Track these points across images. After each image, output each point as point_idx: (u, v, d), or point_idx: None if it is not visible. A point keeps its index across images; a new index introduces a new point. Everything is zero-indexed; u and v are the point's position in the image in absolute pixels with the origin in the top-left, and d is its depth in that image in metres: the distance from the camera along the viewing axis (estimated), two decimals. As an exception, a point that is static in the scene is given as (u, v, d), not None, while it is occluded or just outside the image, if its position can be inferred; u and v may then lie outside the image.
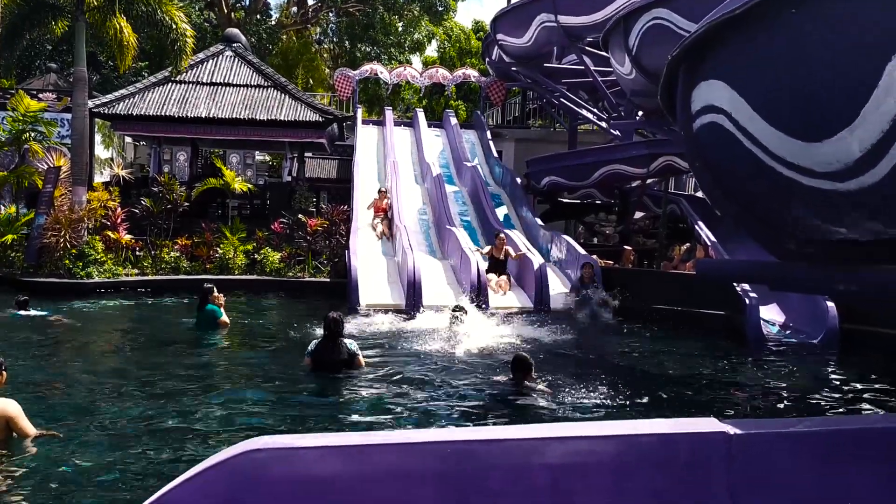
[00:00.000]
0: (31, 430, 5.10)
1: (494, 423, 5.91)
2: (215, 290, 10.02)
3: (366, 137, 22.73)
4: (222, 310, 9.99)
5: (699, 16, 4.34)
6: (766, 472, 2.49)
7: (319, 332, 8.40)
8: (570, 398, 6.93)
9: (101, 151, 21.31)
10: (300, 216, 16.30)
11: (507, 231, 15.46)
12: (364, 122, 23.90)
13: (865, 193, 3.33)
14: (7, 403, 5.09)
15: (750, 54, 3.70)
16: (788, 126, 3.61)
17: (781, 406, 7.35)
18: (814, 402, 7.58)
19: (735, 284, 11.29)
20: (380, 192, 17.62)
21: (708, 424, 2.53)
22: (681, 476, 2.47)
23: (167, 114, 18.59)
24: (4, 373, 5.53)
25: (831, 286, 5.75)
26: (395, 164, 19.53)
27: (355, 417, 6.16)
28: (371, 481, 2.36)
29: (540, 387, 6.94)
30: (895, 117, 2.97)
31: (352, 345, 7.44)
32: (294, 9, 38.85)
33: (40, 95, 19.45)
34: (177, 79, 18.96)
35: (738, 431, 2.49)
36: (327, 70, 35.98)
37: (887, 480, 2.53)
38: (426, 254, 15.47)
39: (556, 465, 2.48)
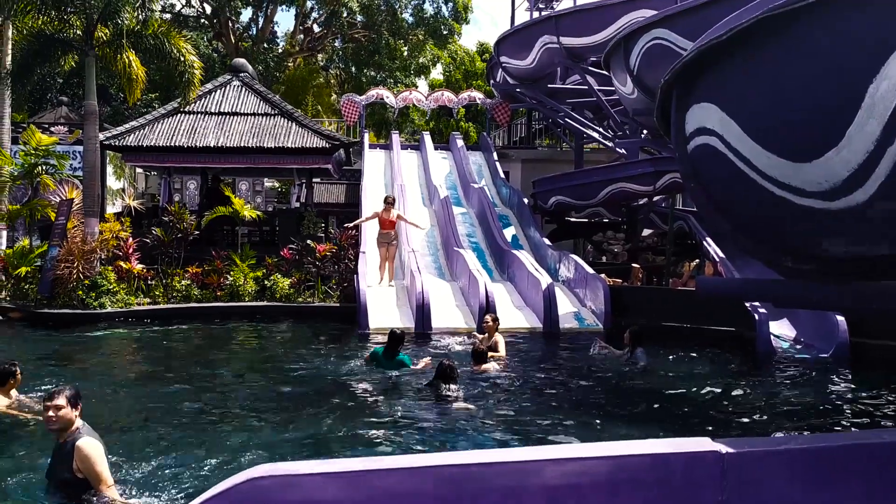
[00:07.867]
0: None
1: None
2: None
3: (373, 161, 22.93)
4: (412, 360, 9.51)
5: (698, 35, 4.45)
6: (758, 489, 2.53)
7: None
8: (575, 418, 6.95)
9: (112, 182, 21.58)
10: (309, 242, 16.41)
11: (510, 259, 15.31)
12: (371, 146, 24.13)
13: (854, 212, 3.38)
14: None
15: (737, 78, 3.79)
16: (778, 147, 3.67)
17: (791, 422, 7.33)
18: (823, 418, 7.56)
19: (744, 300, 11.29)
20: (386, 201, 15.83)
21: (700, 444, 2.58)
22: (674, 495, 2.52)
23: (177, 144, 18.81)
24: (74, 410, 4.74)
25: (831, 302, 5.78)
26: (402, 188, 19.68)
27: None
28: (372, 506, 2.42)
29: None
30: (878, 138, 3.03)
31: (459, 390, 7.75)
32: (300, 36, 39.35)
33: (52, 129, 19.76)
34: (185, 109, 19.24)
35: (730, 450, 2.53)
36: (334, 96, 36.35)
37: (878, 496, 2.57)
38: (434, 276, 15.54)
39: (552, 485, 2.54)
